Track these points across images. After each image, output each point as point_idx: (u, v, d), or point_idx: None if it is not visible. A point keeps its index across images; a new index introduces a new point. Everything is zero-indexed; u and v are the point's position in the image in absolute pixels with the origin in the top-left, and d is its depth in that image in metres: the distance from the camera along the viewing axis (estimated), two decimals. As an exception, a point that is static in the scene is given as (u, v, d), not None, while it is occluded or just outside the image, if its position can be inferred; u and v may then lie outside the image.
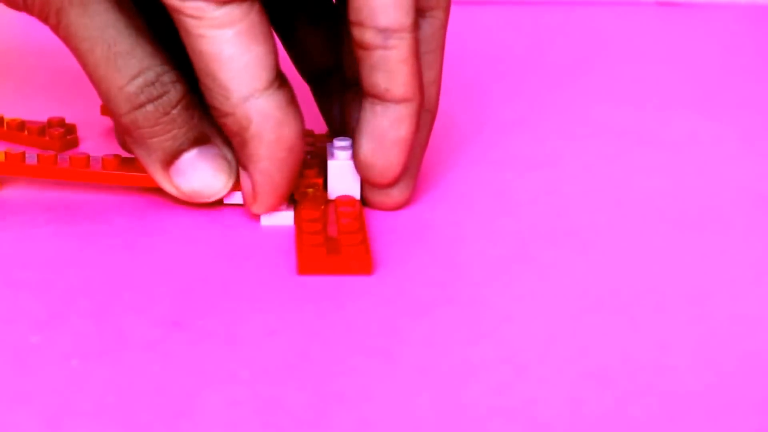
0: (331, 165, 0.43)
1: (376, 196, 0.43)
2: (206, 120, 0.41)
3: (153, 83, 0.40)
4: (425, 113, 0.43)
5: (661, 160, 0.49)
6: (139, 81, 0.40)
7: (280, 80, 0.40)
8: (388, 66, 0.40)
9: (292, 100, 0.40)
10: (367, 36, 0.40)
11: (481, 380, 0.34)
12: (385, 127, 0.41)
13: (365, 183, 0.43)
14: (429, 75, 0.43)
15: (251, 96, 0.39)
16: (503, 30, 0.65)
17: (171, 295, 0.38)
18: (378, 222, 0.42)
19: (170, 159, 0.41)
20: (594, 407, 0.33)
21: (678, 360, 0.35)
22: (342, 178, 0.43)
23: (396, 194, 0.43)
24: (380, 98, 0.41)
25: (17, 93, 0.55)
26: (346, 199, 0.42)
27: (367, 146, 0.42)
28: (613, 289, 0.39)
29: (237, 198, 0.42)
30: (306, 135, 0.47)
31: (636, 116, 0.54)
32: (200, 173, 0.41)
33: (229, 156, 0.42)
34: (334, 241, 0.40)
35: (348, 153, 0.43)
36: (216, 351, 0.35)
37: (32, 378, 0.33)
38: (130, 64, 0.40)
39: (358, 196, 0.43)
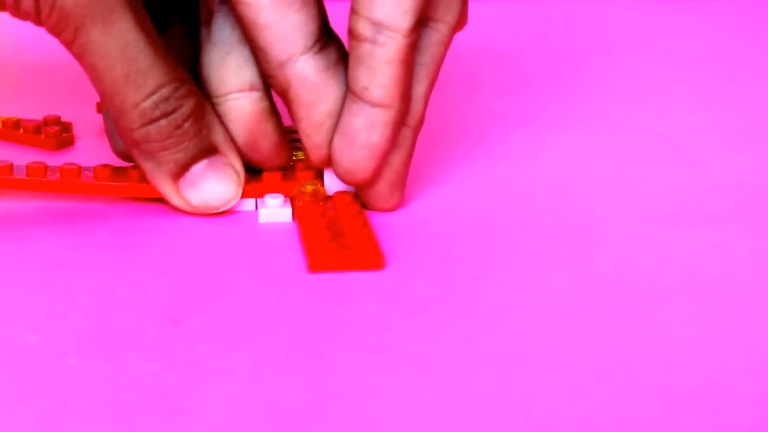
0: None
1: (362, 195, 0.43)
2: (214, 130, 0.42)
3: (168, 99, 0.40)
4: (406, 129, 0.42)
5: (658, 153, 0.49)
6: (155, 97, 0.40)
7: (321, 44, 0.40)
8: (372, 62, 0.40)
9: (335, 63, 0.41)
10: (360, 26, 0.40)
11: (482, 375, 0.34)
12: (357, 128, 0.41)
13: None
14: (418, 89, 0.42)
15: (288, 61, 0.40)
16: (500, 24, 0.65)
17: (169, 293, 0.38)
18: (376, 218, 0.42)
19: (181, 171, 0.41)
20: (593, 402, 0.33)
21: (676, 354, 0.35)
22: (337, 180, 0.43)
23: (381, 200, 0.43)
24: (358, 96, 0.40)
25: (13, 91, 0.55)
26: (345, 195, 0.42)
27: (337, 142, 0.41)
28: (611, 284, 0.39)
29: (242, 205, 0.43)
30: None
31: (633, 110, 0.54)
32: (210, 184, 0.41)
33: (237, 166, 0.42)
34: (341, 238, 0.40)
35: None
36: (214, 349, 0.35)
37: (31, 376, 0.33)
38: (147, 83, 0.40)
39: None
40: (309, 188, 0.42)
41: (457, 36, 0.43)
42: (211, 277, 0.39)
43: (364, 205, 0.43)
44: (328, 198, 0.43)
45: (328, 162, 0.42)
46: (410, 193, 0.44)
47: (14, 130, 0.48)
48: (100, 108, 0.49)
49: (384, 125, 0.41)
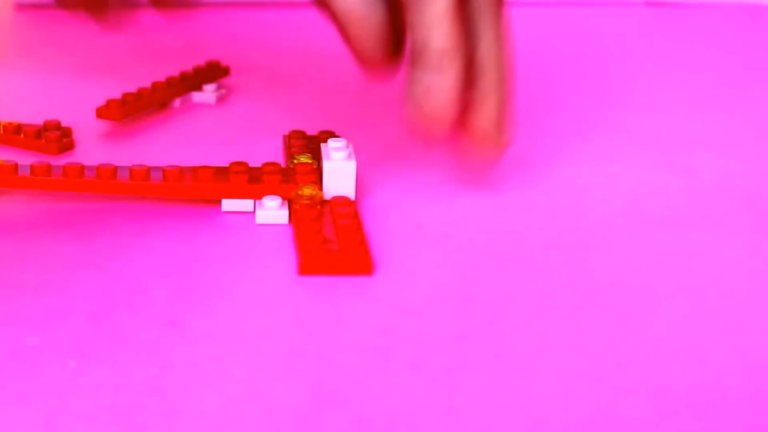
0: (327, 165, 0.43)
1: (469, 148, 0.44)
2: None
3: None
4: (485, 77, 0.43)
5: (652, 158, 0.49)
6: None
7: None
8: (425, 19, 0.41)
9: None
10: None
11: (476, 378, 0.34)
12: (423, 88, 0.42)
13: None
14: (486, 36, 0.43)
15: None
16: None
17: (167, 296, 0.38)
18: (371, 221, 0.43)
19: None
20: (587, 404, 0.33)
21: (668, 357, 0.35)
22: (337, 178, 0.43)
23: (483, 146, 0.44)
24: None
25: (14, 96, 0.55)
26: (342, 200, 0.43)
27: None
28: (606, 288, 0.39)
29: (240, 206, 0.43)
30: (299, 136, 0.47)
31: (627, 115, 0.54)
32: None
33: None
34: (333, 242, 0.40)
35: (343, 153, 0.43)
36: (212, 351, 0.35)
37: (30, 379, 0.34)
38: None
39: (353, 196, 0.43)
40: (306, 191, 0.43)
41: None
42: (210, 280, 0.39)
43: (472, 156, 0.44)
44: (325, 202, 0.43)
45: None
46: (404, 196, 0.45)
47: (15, 135, 0.49)
48: (100, 113, 0.49)
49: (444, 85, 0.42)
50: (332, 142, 0.43)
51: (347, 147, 0.43)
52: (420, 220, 0.43)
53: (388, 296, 0.38)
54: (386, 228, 0.42)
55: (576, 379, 0.34)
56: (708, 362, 0.35)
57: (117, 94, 0.50)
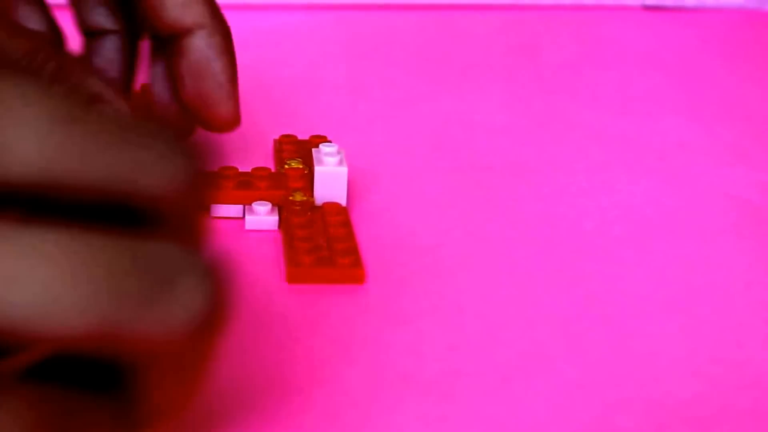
0: (318, 171, 0.43)
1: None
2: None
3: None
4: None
5: (648, 165, 0.49)
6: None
7: None
8: None
9: None
10: None
11: (468, 389, 0.34)
12: None
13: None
14: None
15: None
16: (490, 35, 0.65)
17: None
18: (362, 228, 0.42)
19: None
20: (581, 417, 0.33)
21: (664, 368, 0.35)
22: (329, 184, 0.43)
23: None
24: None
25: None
26: (333, 206, 0.42)
27: None
28: (601, 298, 0.39)
29: (229, 212, 0.42)
30: (290, 140, 0.47)
31: (623, 121, 0.53)
32: None
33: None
34: (324, 250, 0.40)
35: (336, 159, 0.43)
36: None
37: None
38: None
39: (344, 202, 0.43)
40: (298, 197, 0.42)
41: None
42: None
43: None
44: (316, 208, 0.42)
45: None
46: (397, 202, 0.44)
47: None
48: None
49: None
50: (324, 147, 0.43)
51: (339, 153, 0.43)
52: (413, 227, 0.43)
53: (379, 305, 0.38)
54: (378, 235, 0.42)
55: (570, 390, 0.34)
56: (705, 375, 0.35)
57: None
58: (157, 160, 0.26)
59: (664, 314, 0.38)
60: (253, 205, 0.42)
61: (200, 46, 0.43)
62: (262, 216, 0.42)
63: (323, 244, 0.40)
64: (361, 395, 0.34)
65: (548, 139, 0.51)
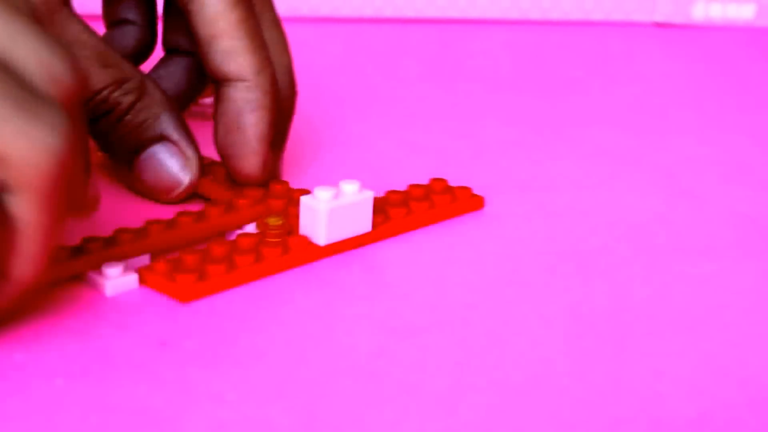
0: (303, 201, 0.41)
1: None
2: (162, 119, 0.43)
3: (107, 98, 0.43)
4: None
5: (656, 183, 0.49)
6: (97, 97, 0.43)
7: None
8: None
9: None
10: None
11: (472, 404, 0.34)
12: None
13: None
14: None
15: None
16: (499, 50, 0.65)
17: (157, 315, 0.37)
18: (374, 245, 0.42)
19: (129, 157, 0.44)
20: (583, 434, 0.33)
21: (670, 387, 0.35)
22: (309, 217, 0.41)
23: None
24: None
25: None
26: (302, 239, 0.41)
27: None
28: (604, 314, 0.39)
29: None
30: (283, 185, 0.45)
31: (632, 139, 0.53)
32: (160, 167, 0.44)
33: (189, 152, 0.44)
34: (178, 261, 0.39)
35: (328, 194, 0.41)
36: (202, 372, 0.35)
37: (16, 396, 0.33)
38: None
39: (322, 241, 0.41)
40: (272, 221, 0.41)
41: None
42: (201, 300, 0.38)
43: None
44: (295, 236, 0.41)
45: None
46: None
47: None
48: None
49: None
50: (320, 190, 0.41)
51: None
52: (419, 244, 0.43)
53: (386, 320, 0.38)
54: (386, 250, 0.42)
55: (575, 408, 0.34)
56: (710, 394, 0.35)
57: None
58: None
59: (671, 332, 0.38)
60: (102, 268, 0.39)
61: (236, 98, 0.43)
62: (120, 278, 0.39)
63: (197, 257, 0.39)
64: (365, 409, 0.33)
65: (555, 155, 0.51)
